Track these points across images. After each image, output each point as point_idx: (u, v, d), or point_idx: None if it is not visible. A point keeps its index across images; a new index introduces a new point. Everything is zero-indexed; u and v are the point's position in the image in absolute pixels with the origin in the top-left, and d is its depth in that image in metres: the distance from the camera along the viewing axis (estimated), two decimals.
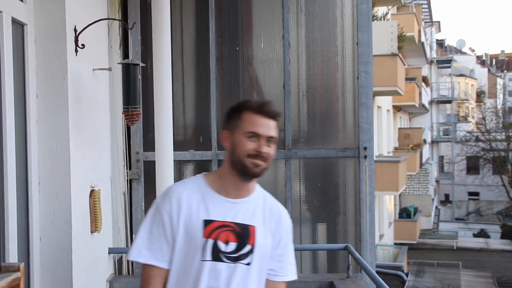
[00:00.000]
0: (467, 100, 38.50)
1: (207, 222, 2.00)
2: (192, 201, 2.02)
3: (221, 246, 2.00)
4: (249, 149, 1.98)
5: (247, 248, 2.03)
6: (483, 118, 34.28)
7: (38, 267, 3.29)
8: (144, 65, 3.94)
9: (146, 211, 4.59)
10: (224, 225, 2.01)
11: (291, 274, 2.19)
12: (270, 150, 2.02)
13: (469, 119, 37.89)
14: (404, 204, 24.71)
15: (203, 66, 4.78)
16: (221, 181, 2.06)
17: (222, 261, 2.00)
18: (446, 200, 36.11)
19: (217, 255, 2.00)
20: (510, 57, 52.64)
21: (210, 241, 1.99)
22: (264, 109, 2.01)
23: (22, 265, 1.81)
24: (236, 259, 2.01)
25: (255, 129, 1.99)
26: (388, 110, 20.40)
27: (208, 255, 1.99)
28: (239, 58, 4.82)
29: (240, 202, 2.06)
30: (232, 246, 2.01)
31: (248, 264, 2.03)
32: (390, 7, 19.00)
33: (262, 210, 2.11)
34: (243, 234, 2.03)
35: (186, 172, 4.84)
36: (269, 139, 2.01)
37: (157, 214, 2.04)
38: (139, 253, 2.03)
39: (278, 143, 4.70)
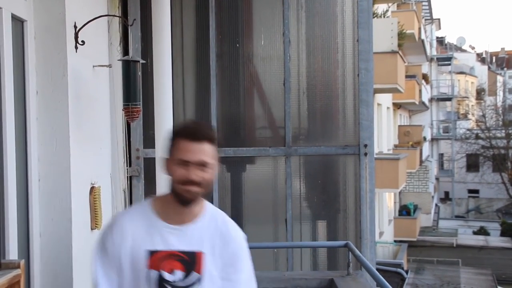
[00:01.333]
0: (467, 97, 38.50)
1: (151, 252, 1.97)
2: (136, 230, 1.99)
3: (166, 276, 1.97)
4: (179, 176, 1.95)
5: (195, 276, 2.00)
6: (483, 115, 34.28)
7: (38, 264, 3.29)
8: (144, 61, 3.93)
9: None
10: (169, 254, 1.98)
11: None
12: (204, 175, 1.96)
13: (469, 116, 37.89)
14: (404, 202, 24.70)
15: (203, 63, 4.77)
16: (165, 207, 2.02)
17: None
18: (446, 198, 36.13)
19: (162, 286, 1.97)
20: (510, 55, 52.59)
21: (154, 272, 1.96)
22: (194, 134, 1.96)
23: (22, 262, 1.80)
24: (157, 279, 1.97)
25: (183, 156, 1.94)
26: (388, 108, 20.39)
27: (153, 287, 1.96)
28: (239, 55, 4.81)
29: (186, 228, 2.02)
30: (179, 275, 1.98)
31: None
32: (390, 4, 18.97)
33: (211, 233, 2.05)
34: (190, 262, 1.99)
35: None
36: (201, 164, 1.95)
37: (102, 247, 2.03)
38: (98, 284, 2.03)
39: (279, 140, 4.75)
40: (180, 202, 1.98)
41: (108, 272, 2.02)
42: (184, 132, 1.98)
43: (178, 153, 1.96)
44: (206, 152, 1.96)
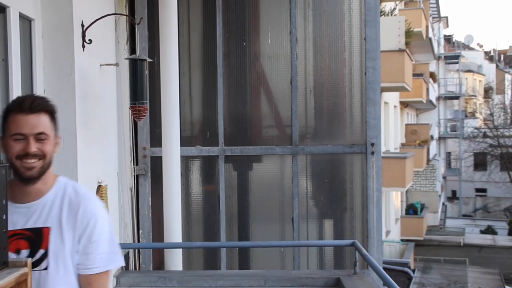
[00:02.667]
0: (475, 96, 38.29)
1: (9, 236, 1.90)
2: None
3: (13, 256, 1.91)
4: (16, 150, 1.90)
5: (41, 252, 1.95)
6: (491, 114, 34.10)
7: None
8: (151, 60, 3.94)
9: (153, 206, 4.61)
10: (15, 234, 1.93)
11: (105, 265, 2.04)
12: (43, 146, 1.93)
13: (477, 115, 37.70)
14: (411, 201, 24.63)
15: (210, 62, 4.77)
16: (13, 187, 1.94)
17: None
18: (453, 197, 35.98)
19: None
20: None
21: (11, 254, 1.89)
22: (28, 106, 1.91)
23: (29, 260, 1.81)
24: (32, 267, 1.89)
25: (18, 129, 1.90)
26: (395, 106, 20.34)
27: None
28: (246, 54, 4.81)
29: (33, 206, 1.98)
30: (24, 253, 1.94)
31: (45, 269, 1.94)
32: (397, 2, 18.91)
33: (59, 207, 2.00)
34: (35, 239, 1.94)
35: (193, 168, 4.84)
36: (38, 135, 1.91)
37: None
38: None
39: (285, 138, 4.75)
40: (20, 180, 1.95)
41: None
42: (18, 106, 1.93)
43: (13, 128, 1.91)
44: (43, 123, 1.92)
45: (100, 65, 3.79)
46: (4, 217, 1.78)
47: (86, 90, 3.47)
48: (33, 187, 1.97)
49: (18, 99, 2.02)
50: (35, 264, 1.92)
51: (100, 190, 3.70)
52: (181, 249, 4.33)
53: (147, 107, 3.71)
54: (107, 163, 3.98)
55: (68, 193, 2.03)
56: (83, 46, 3.40)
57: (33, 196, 1.98)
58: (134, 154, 4.56)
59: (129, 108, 3.73)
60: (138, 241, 4.58)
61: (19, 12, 3.05)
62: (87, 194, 2.09)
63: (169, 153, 4.11)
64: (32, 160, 1.91)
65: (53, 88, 3.29)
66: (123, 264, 2.18)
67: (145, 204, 4.63)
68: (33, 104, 1.92)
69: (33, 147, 1.91)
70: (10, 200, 1.90)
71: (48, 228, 1.96)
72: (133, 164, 4.55)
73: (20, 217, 1.95)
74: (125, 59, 3.99)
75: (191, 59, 4.86)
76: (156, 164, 4.51)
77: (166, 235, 4.20)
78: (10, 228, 1.87)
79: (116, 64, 4.05)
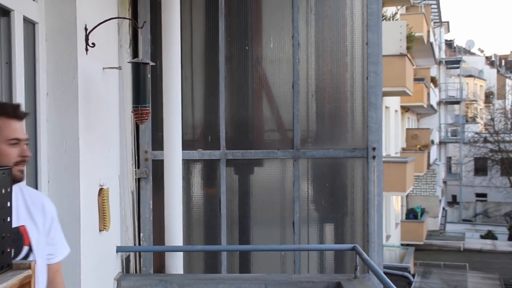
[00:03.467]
0: (476, 101, 38.33)
1: None
2: None
3: None
4: (15, 155, 1.94)
5: (25, 249, 2.01)
6: (492, 119, 34.11)
7: None
8: (153, 64, 3.95)
9: (154, 210, 4.61)
10: None
11: (63, 251, 2.29)
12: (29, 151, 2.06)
13: (478, 120, 37.72)
14: (411, 205, 24.63)
15: (212, 65, 4.78)
16: None
17: None
18: (453, 201, 35.98)
19: None
20: None
21: None
22: (18, 113, 1.97)
23: (33, 263, 1.82)
24: None
25: (16, 134, 1.94)
26: (396, 111, 20.35)
27: None
28: (248, 58, 4.82)
29: None
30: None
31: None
32: (399, 7, 18.94)
33: (24, 204, 2.06)
34: (16, 238, 1.96)
35: (194, 171, 4.85)
36: (26, 140, 2.01)
37: None
38: None
39: (287, 142, 4.76)
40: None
41: None
42: (12, 111, 1.98)
43: (9, 133, 1.94)
44: (24, 129, 2.05)
45: (103, 69, 3.80)
46: (8, 219, 1.79)
47: (88, 93, 3.48)
48: None
49: (8, 104, 2.09)
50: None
51: (101, 193, 3.71)
52: (182, 253, 4.34)
53: (150, 111, 3.72)
54: (109, 166, 3.99)
55: (23, 191, 2.11)
56: (86, 50, 3.41)
57: None
58: (136, 157, 4.57)
59: (132, 112, 3.74)
60: (139, 244, 4.58)
61: (23, 16, 3.06)
62: (37, 190, 2.26)
63: (170, 156, 4.12)
64: (24, 165, 2.01)
65: (56, 91, 3.30)
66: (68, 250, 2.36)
67: (146, 207, 4.63)
68: (19, 110, 2.01)
69: (28, 151, 2.01)
70: None
71: (23, 226, 2.03)
72: (135, 167, 4.56)
73: None
74: (128, 62, 4.00)
75: (193, 62, 4.87)
76: (158, 168, 4.51)
77: (167, 238, 4.20)
78: None
79: (119, 68, 4.07)
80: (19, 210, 2.04)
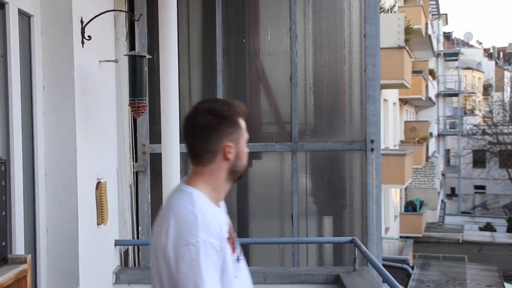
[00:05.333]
0: (474, 93, 38.30)
1: (227, 239, 1.85)
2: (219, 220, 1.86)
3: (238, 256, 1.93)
4: (247, 156, 1.92)
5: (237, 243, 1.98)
6: (490, 111, 34.11)
7: (45, 259, 3.30)
8: (150, 57, 3.93)
9: (152, 203, 4.60)
10: (230, 235, 1.91)
11: None
12: None
13: (476, 112, 37.72)
14: (410, 198, 24.65)
15: (209, 58, 4.76)
16: (216, 194, 1.87)
17: (240, 269, 1.93)
18: (452, 194, 36.02)
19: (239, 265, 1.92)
20: None
21: (234, 256, 1.89)
22: (245, 113, 1.94)
23: (29, 257, 1.80)
24: (237, 259, 1.93)
25: (247, 134, 1.92)
26: (394, 103, 20.33)
27: (237, 269, 1.90)
28: (245, 50, 4.80)
29: (222, 206, 1.96)
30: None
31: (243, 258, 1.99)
32: None
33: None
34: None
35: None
36: None
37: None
38: None
39: (285, 135, 4.74)
40: (235, 181, 1.94)
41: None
42: (243, 112, 1.93)
43: (245, 133, 1.92)
44: None
45: (100, 62, 3.78)
46: (4, 214, 1.77)
47: (85, 87, 3.46)
48: None
49: (234, 104, 1.94)
50: (240, 256, 1.97)
51: (99, 187, 3.70)
52: None
53: (147, 104, 3.70)
54: (106, 160, 3.97)
55: None
56: (82, 43, 3.39)
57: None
58: (134, 151, 4.56)
59: (129, 105, 3.72)
60: (137, 237, 4.58)
61: (18, 8, 3.04)
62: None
63: (168, 149, 4.10)
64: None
65: (52, 84, 3.28)
66: None
67: (145, 201, 4.62)
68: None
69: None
70: (216, 205, 1.88)
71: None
72: (133, 161, 4.54)
73: (225, 220, 1.93)
74: (125, 55, 3.98)
75: (190, 55, 4.85)
76: (156, 161, 4.50)
77: None
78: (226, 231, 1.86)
79: (116, 61, 4.05)
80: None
